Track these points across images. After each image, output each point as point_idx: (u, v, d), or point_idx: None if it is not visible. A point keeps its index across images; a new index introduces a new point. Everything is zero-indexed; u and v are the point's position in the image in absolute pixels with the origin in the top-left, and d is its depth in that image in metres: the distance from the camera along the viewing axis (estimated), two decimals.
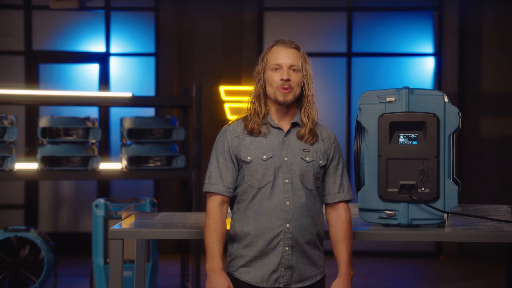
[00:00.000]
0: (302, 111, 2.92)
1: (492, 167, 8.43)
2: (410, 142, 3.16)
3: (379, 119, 3.16)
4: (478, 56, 8.45)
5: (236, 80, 8.43)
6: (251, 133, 2.89)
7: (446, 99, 3.16)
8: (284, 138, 2.89)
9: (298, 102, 2.94)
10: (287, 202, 2.83)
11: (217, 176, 2.88)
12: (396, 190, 3.15)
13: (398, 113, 3.15)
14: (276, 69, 2.89)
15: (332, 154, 2.95)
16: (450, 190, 3.15)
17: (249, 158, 2.86)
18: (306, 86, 2.91)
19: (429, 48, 8.54)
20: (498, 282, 6.99)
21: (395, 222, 3.19)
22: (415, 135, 3.16)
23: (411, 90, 3.16)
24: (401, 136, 3.17)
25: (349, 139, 8.43)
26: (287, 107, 2.91)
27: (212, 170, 2.91)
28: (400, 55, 8.56)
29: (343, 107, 8.49)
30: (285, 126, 2.92)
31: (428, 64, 8.56)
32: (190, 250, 6.11)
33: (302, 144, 2.89)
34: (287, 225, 2.82)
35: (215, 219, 2.85)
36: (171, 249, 8.21)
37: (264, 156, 2.85)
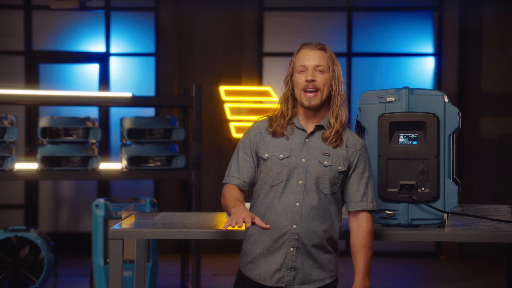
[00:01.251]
0: (331, 112, 2.89)
1: (492, 167, 8.43)
2: (410, 142, 3.16)
3: (379, 119, 3.16)
4: (478, 56, 8.45)
5: (236, 80, 8.42)
6: (274, 134, 2.90)
7: (446, 99, 3.16)
8: (306, 140, 2.88)
9: (328, 103, 2.92)
10: (297, 203, 2.82)
11: (235, 169, 2.93)
12: (396, 190, 3.15)
13: (398, 113, 3.15)
14: (302, 71, 2.88)
15: (356, 162, 2.90)
16: (450, 190, 3.15)
17: (266, 155, 2.87)
18: (334, 87, 2.90)
19: (429, 48, 8.55)
20: (498, 282, 6.99)
21: (395, 222, 3.19)
22: (415, 135, 3.16)
23: (411, 90, 3.16)
24: (401, 136, 3.17)
25: None
26: (314, 110, 2.89)
27: (232, 163, 2.96)
28: (400, 55, 8.56)
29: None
30: (310, 127, 2.90)
31: (428, 64, 8.56)
32: (190, 250, 6.11)
33: (323, 147, 2.86)
34: (294, 226, 2.81)
35: (230, 190, 2.90)
36: (171, 249, 8.21)
37: (281, 155, 2.85)
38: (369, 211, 2.92)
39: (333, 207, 2.88)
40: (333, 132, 2.87)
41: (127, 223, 3.34)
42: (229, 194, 2.88)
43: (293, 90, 2.91)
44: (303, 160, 2.85)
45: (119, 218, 5.54)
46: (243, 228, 2.70)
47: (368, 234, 2.90)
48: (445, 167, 3.14)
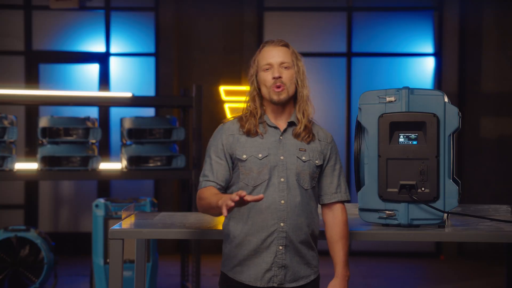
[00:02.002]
0: (297, 108, 2.92)
1: (492, 167, 8.43)
2: (410, 142, 3.16)
3: (379, 119, 3.16)
4: (478, 56, 8.46)
5: (236, 80, 8.43)
6: (247, 133, 2.88)
7: (446, 99, 3.16)
8: (281, 137, 2.89)
9: (295, 100, 2.94)
10: (282, 201, 2.82)
11: (210, 174, 2.88)
12: (396, 190, 3.15)
13: (398, 113, 3.15)
14: (267, 69, 2.89)
15: (329, 155, 2.95)
16: (450, 190, 3.15)
17: (244, 156, 2.86)
18: (299, 82, 2.91)
19: (429, 48, 8.55)
20: (498, 282, 6.99)
21: (395, 222, 3.19)
22: (415, 135, 3.16)
23: (411, 90, 3.16)
24: (401, 136, 3.17)
25: (349, 139, 8.43)
26: (282, 106, 2.91)
27: (205, 168, 2.91)
28: (400, 55, 8.56)
29: (343, 107, 8.49)
30: (282, 125, 2.91)
31: (428, 64, 8.56)
32: (190, 250, 6.11)
33: (298, 143, 2.89)
34: (281, 224, 2.81)
35: (207, 191, 2.83)
36: (171, 249, 8.21)
37: (260, 155, 2.85)
38: (343, 202, 2.97)
39: (313, 202, 2.91)
40: (302, 128, 2.89)
41: (127, 223, 3.34)
42: (206, 194, 2.81)
43: (259, 89, 2.92)
44: (282, 157, 2.85)
45: (119, 218, 5.54)
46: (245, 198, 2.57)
47: (344, 224, 2.94)
48: (445, 167, 3.14)
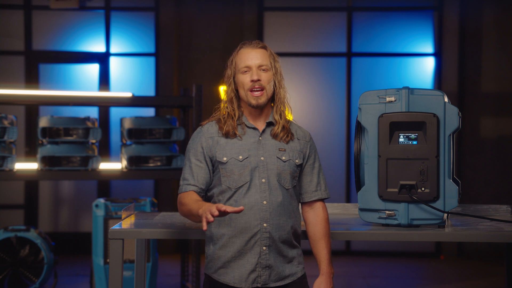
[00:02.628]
0: (275, 109, 2.92)
1: (492, 167, 8.43)
2: (410, 142, 3.16)
3: (379, 119, 3.16)
4: (478, 56, 8.45)
5: None
6: (226, 135, 2.88)
7: (446, 99, 3.17)
8: (260, 138, 2.90)
9: (272, 101, 2.95)
10: (264, 202, 2.83)
11: (190, 177, 2.88)
12: (396, 190, 3.15)
13: (398, 113, 3.15)
14: (245, 71, 2.88)
15: (308, 153, 2.96)
16: (450, 190, 3.15)
17: (225, 158, 2.85)
18: (277, 84, 2.91)
19: (429, 48, 8.54)
20: (498, 282, 6.99)
21: (395, 222, 3.19)
22: (415, 135, 3.16)
23: (411, 90, 3.16)
24: (401, 136, 3.17)
25: (349, 139, 8.43)
26: (260, 108, 2.91)
27: (185, 172, 2.90)
28: (400, 55, 8.56)
29: (343, 107, 8.48)
30: (260, 126, 2.92)
31: (428, 64, 8.56)
32: (190, 250, 6.11)
33: (278, 144, 2.89)
34: (264, 224, 2.82)
35: (188, 196, 2.82)
36: (171, 249, 8.21)
37: (240, 157, 2.85)
38: (323, 200, 2.98)
39: (294, 201, 2.92)
40: (279, 129, 2.89)
41: (127, 223, 3.34)
42: (187, 200, 2.81)
43: (236, 90, 2.92)
44: (262, 158, 2.86)
45: (119, 218, 5.54)
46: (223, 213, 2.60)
47: (326, 222, 2.96)
48: (445, 167, 3.14)
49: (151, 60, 8.60)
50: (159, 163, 5.81)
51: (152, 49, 8.59)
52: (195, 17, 8.53)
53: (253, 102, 2.87)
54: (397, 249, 8.34)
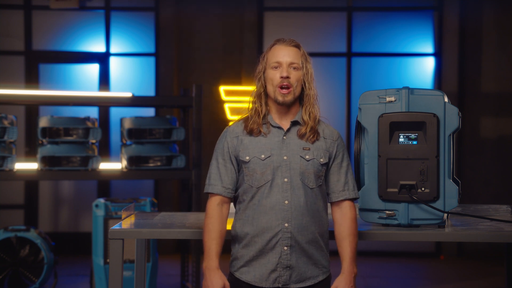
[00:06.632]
0: (304, 109, 2.91)
1: (492, 167, 8.43)
2: (410, 142, 3.16)
3: (379, 119, 3.16)
4: (478, 56, 8.45)
5: (236, 80, 8.42)
6: (250, 133, 2.89)
7: (446, 99, 3.17)
8: (284, 137, 2.89)
9: (300, 101, 2.94)
10: (286, 201, 2.83)
11: (216, 177, 2.89)
12: (396, 190, 3.15)
13: (398, 113, 3.15)
14: (276, 67, 2.88)
15: (335, 152, 2.94)
16: (450, 190, 3.15)
17: (247, 158, 2.86)
18: (307, 84, 2.91)
19: (429, 48, 8.55)
20: (498, 282, 6.99)
21: (395, 222, 3.19)
22: (415, 135, 3.16)
23: (411, 90, 3.16)
24: (401, 136, 3.17)
25: (349, 139, 8.43)
26: (287, 107, 2.90)
27: (212, 171, 2.92)
28: (400, 55, 8.56)
29: (343, 107, 8.49)
30: (286, 125, 2.91)
31: (428, 64, 8.56)
32: (190, 250, 6.11)
33: (302, 143, 2.88)
34: (286, 224, 2.82)
35: (213, 218, 2.86)
36: (171, 249, 8.21)
37: (262, 156, 2.85)
38: (351, 199, 2.95)
39: (320, 201, 2.90)
40: (308, 129, 2.88)
41: (127, 223, 3.35)
42: (210, 227, 2.87)
43: (265, 86, 2.92)
44: (285, 157, 2.85)
45: (119, 218, 5.54)
46: None
47: (352, 221, 2.92)
48: (445, 167, 3.14)
49: (151, 60, 8.60)
50: (159, 163, 5.81)
51: (152, 49, 8.59)
52: (195, 17, 8.52)
53: (280, 98, 2.86)
54: (397, 249, 8.34)
